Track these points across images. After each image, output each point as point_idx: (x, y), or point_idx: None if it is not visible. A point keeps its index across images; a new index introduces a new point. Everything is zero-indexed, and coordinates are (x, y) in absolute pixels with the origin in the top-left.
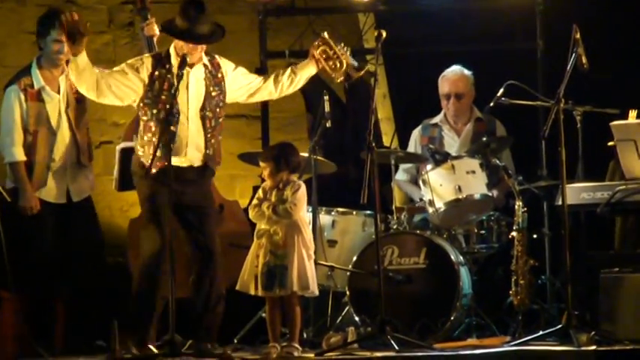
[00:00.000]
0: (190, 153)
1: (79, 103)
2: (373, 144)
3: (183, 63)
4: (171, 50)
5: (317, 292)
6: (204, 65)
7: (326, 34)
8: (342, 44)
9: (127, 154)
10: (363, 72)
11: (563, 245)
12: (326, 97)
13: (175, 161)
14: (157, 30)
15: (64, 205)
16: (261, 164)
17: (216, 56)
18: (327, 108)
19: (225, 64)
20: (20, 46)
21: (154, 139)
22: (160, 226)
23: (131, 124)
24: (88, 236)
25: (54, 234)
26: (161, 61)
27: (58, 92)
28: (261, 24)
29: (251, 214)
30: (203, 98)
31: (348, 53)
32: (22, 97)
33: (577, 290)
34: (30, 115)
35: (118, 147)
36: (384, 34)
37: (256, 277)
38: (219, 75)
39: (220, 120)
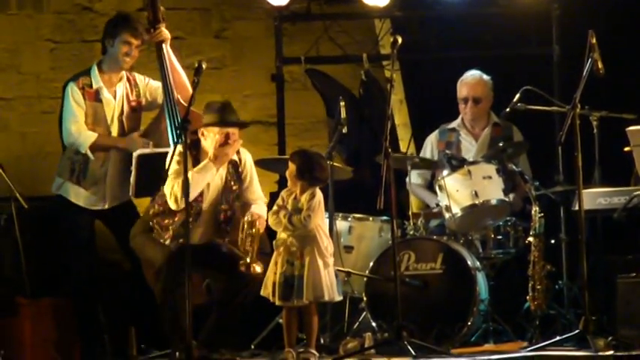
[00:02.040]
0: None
1: (134, 112)
2: (389, 150)
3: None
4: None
5: (337, 298)
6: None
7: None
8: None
9: (144, 160)
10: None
11: (580, 250)
12: (342, 103)
13: None
14: (166, 35)
15: (102, 210)
16: (289, 162)
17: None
18: (343, 114)
19: (248, 159)
20: (37, 53)
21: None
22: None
23: (150, 125)
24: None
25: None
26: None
27: (115, 98)
28: (276, 30)
29: (270, 220)
30: (221, 193)
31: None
32: (80, 93)
33: (594, 295)
34: (88, 113)
35: (135, 153)
36: (400, 39)
37: (274, 285)
38: (240, 169)
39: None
